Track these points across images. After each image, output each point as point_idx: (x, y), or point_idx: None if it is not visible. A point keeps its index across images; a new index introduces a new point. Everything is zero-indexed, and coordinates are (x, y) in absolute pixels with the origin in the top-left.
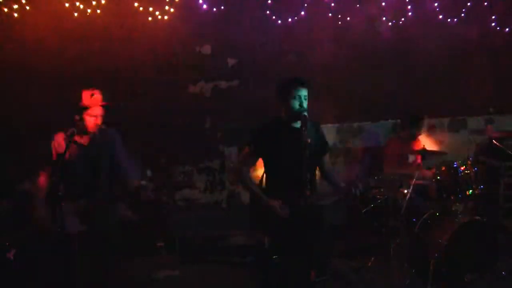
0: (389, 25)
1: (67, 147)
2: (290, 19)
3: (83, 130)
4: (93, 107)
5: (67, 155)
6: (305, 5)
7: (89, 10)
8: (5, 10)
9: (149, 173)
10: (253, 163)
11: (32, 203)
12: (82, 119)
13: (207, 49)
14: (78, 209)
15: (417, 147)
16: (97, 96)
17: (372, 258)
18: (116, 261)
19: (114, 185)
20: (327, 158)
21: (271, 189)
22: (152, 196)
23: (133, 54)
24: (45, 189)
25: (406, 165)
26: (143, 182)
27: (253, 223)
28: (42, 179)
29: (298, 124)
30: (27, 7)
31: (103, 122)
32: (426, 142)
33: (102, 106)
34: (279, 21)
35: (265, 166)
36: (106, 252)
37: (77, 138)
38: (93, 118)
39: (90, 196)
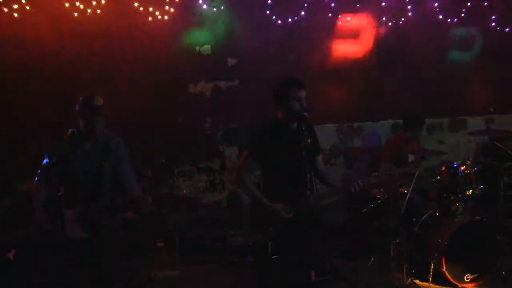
0: (389, 25)
1: (68, 148)
2: (290, 19)
3: (85, 134)
4: (93, 115)
5: (68, 157)
6: (305, 5)
7: (89, 10)
8: (5, 10)
9: (149, 173)
10: (253, 167)
11: (32, 205)
12: (84, 125)
13: (207, 49)
14: (79, 215)
15: (417, 147)
16: (98, 101)
17: (372, 258)
18: (117, 266)
19: (116, 192)
20: (320, 158)
21: (270, 191)
22: (154, 209)
23: (133, 54)
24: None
25: (406, 164)
26: (150, 199)
27: (254, 225)
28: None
29: (295, 125)
30: (27, 7)
31: (107, 127)
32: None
33: (101, 112)
34: (279, 21)
35: (264, 168)
36: (107, 258)
37: (78, 140)
38: (93, 124)
39: (91, 202)
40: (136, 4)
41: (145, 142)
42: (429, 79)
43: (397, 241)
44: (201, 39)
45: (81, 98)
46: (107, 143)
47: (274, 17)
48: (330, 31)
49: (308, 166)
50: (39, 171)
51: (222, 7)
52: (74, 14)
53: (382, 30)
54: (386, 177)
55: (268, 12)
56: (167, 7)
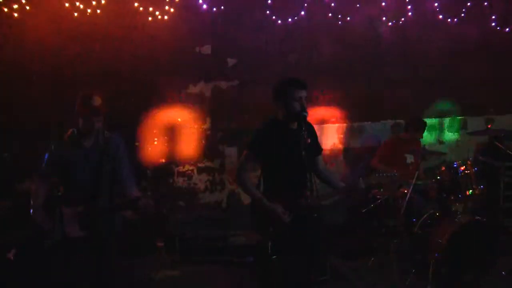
0: (389, 25)
1: (68, 147)
2: (290, 19)
3: (85, 133)
4: (90, 113)
5: (67, 156)
6: (305, 5)
7: (89, 10)
8: (5, 10)
9: (149, 173)
10: (253, 167)
11: (31, 205)
12: (83, 124)
13: (207, 49)
14: (77, 215)
15: (418, 147)
16: (95, 99)
17: (372, 258)
18: (116, 265)
19: (115, 192)
20: (321, 158)
21: (270, 191)
22: (153, 209)
23: (133, 54)
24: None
25: (404, 165)
26: (149, 199)
27: (254, 225)
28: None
29: (296, 125)
30: (27, 7)
31: (107, 126)
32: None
33: (100, 112)
34: (279, 21)
35: (264, 168)
36: (106, 258)
37: (79, 140)
38: (91, 123)
39: (90, 202)
40: (136, 4)
41: (145, 142)
42: (429, 79)
43: (397, 241)
44: (201, 39)
45: (79, 98)
46: (106, 143)
47: (274, 17)
48: (330, 31)
49: (308, 166)
50: (38, 170)
51: (222, 7)
52: (74, 14)
53: (382, 30)
54: (387, 179)
55: (268, 12)
56: (167, 7)
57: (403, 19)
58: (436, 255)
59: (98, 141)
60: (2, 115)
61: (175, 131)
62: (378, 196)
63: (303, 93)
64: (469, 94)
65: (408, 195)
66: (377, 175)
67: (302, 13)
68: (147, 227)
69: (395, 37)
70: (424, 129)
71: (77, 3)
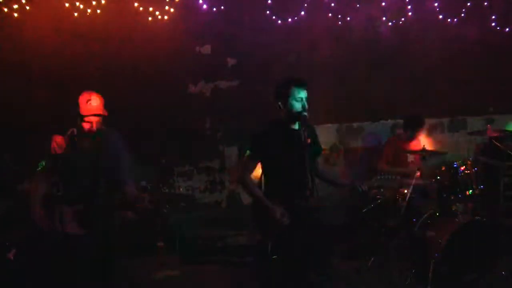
0: (389, 25)
1: (67, 148)
2: (290, 19)
3: (84, 133)
4: (90, 115)
5: (67, 156)
6: (305, 5)
7: (89, 10)
8: (5, 10)
9: (149, 173)
10: (254, 168)
11: (31, 205)
12: (80, 124)
13: (207, 49)
14: (77, 213)
15: (417, 147)
16: (94, 101)
17: (372, 258)
18: (116, 264)
19: (113, 190)
20: (320, 159)
21: (271, 191)
22: (150, 207)
23: (133, 54)
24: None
25: (406, 164)
26: (146, 197)
27: (254, 225)
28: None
29: (296, 126)
30: (27, 7)
31: (105, 125)
32: (425, 142)
33: (98, 111)
34: (279, 21)
35: (265, 168)
36: (105, 256)
37: (78, 139)
38: (90, 124)
39: (89, 200)
40: (136, 4)
41: (145, 142)
42: (429, 79)
43: (397, 241)
44: (201, 39)
45: (79, 99)
46: (105, 141)
47: (274, 17)
48: (330, 31)
49: (308, 166)
50: (37, 170)
51: (222, 7)
52: (74, 14)
53: (382, 30)
54: (389, 181)
55: (268, 12)
56: (167, 7)
57: (403, 19)
58: (436, 255)
59: (96, 139)
60: (2, 115)
61: (174, 131)
62: (378, 196)
63: (304, 93)
64: (469, 94)
65: (408, 195)
66: (379, 177)
67: (302, 13)
68: (147, 227)
69: (395, 37)
70: (422, 126)
71: (77, 3)
